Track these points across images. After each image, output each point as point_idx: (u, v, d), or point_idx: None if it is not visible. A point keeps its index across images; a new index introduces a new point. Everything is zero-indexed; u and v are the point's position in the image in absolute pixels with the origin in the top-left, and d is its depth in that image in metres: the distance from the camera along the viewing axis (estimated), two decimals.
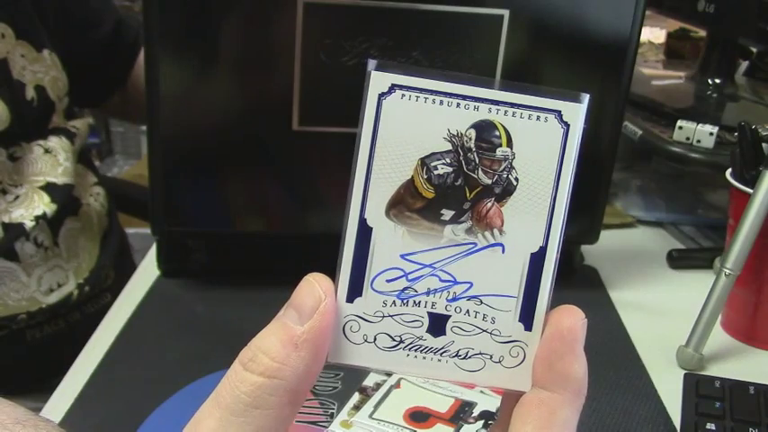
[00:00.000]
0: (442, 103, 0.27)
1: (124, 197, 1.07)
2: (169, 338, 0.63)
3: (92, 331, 0.65)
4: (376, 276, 0.28)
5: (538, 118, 0.28)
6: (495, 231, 0.28)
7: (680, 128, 0.82)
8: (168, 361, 0.60)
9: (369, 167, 0.28)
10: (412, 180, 0.28)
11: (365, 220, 0.28)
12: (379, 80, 0.27)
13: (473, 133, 0.28)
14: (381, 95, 0.27)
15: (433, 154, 0.28)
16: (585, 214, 0.71)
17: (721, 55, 1.00)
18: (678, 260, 0.82)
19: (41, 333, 0.80)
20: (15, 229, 0.74)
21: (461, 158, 0.28)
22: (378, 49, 0.62)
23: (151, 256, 0.74)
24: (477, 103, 0.27)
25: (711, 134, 0.81)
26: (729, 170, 0.68)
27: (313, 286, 0.27)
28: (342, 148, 0.65)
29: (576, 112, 0.28)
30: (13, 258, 0.75)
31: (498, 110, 0.28)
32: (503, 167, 0.28)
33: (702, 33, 1.12)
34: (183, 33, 0.61)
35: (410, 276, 0.28)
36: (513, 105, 0.27)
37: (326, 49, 0.61)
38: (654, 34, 1.31)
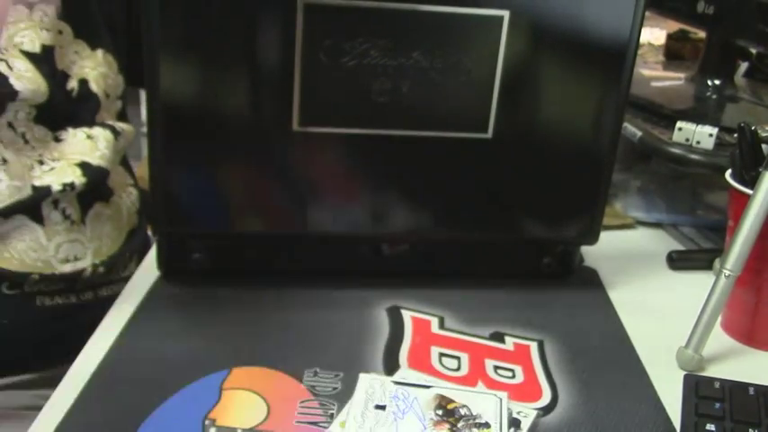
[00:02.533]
0: None
1: None
2: (169, 338, 0.63)
3: (100, 317, 0.66)
4: None
5: None
6: None
7: (679, 129, 0.82)
8: (168, 361, 0.60)
9: None
10: None
11: None
12: None
13: None
14: None
15: None
16: (585, 215, 0.71)
17: (721, 56, 1.00)
18: (678, 261, 0.82)
19: (51, 301, 0.83)
20: (43, 191, 0.78)
21: None
22: (378, 49, 0.62)
23: (151, 256, 0.74)
24: None
25: (711, 135, 0.81)
26: (729, 171, 0.68)
27: None
28: (342, 148, 0.66)
29: None
30: (38, 221, 0.79)
31: None
32: None
33: (702, 35, 1.12)
34: (183, 33, 0.61)
35: None
36: None
37: (326, 50, 0.61)
38: (653, 35, 1.31)
